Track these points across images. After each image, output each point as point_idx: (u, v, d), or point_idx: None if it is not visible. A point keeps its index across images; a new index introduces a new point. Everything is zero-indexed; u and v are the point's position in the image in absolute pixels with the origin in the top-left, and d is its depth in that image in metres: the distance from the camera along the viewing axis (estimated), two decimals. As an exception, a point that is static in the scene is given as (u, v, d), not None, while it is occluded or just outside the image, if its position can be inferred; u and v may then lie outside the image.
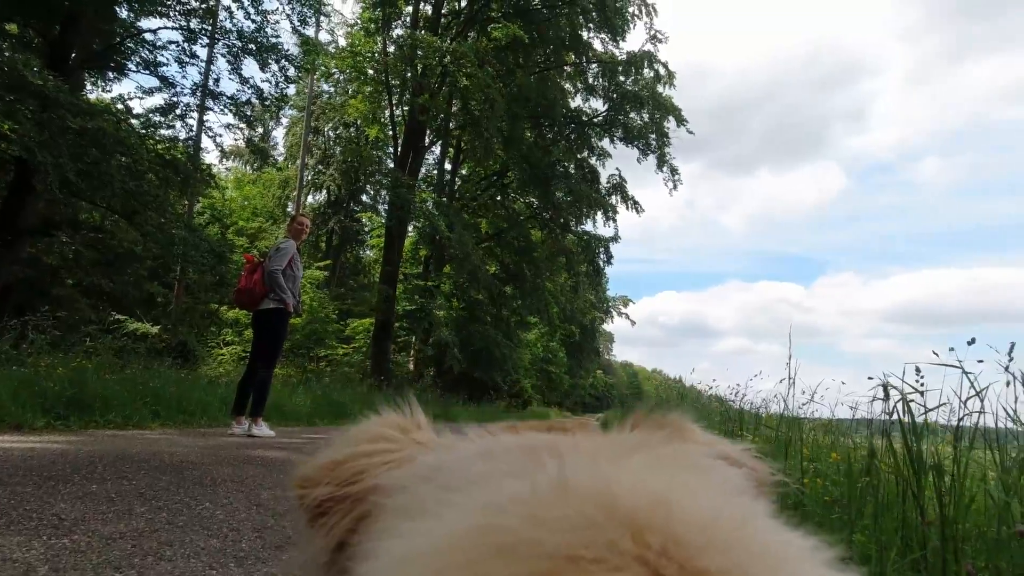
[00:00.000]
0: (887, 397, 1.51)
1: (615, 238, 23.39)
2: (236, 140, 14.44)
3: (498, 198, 24.27)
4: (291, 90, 17.32)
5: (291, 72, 11.53)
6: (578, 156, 22.86)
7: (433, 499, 0.24)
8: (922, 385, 1.47)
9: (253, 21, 10.73)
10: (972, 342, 1.40)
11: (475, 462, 0.26)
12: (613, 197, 22.70)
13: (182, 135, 11.41)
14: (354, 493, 0.31)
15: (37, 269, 9.58)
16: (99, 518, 1.93)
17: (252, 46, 10.78)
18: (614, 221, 22.09)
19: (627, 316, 39.94)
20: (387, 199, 20.60)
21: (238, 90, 11.30)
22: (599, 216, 22.16)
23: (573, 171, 22.51)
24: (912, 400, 1.43)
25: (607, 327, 48.37)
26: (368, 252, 30.01)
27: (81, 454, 3.01)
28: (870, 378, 1.57)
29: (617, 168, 26.70)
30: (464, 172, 23.83)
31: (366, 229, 29.69)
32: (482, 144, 17.11)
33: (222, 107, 11.35)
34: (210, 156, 35.62)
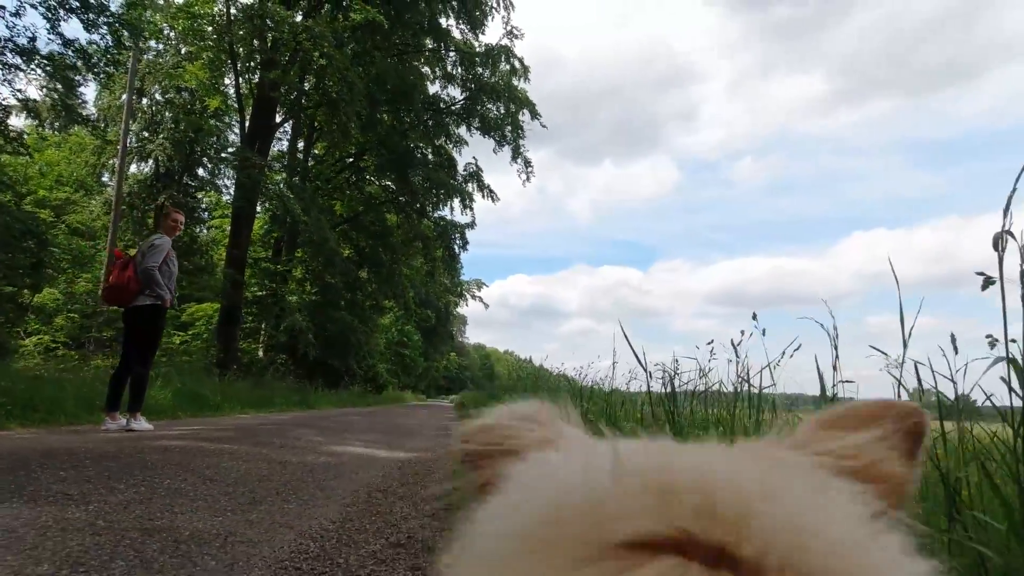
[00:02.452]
0: (649, 375, 2.41)
1: (471, 225, 24.24)
2: (46, 99, 12.74)
3: (353, 180, 23.77)
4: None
5: (124, 36, 10.44)
6: (435, 142, 23.20)
7: (512, 501, 0.25)
8: (678, 364, 2.37)
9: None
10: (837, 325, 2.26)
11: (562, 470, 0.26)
12: (470, 184, 23.45)
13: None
14: (491, 454, 0.36)
15: None
16: (97, 492, 2.12)
17: (74, 2, 9.61)
18: (471, 209, 22.87)
19: (480, 299, 41.32)
20: (232, 177, 19.26)
21: (59, 53, 10.01)
22: (456, 203, 22.80)
23: (431, 157, 22.83)
24: (676, 375, 2.30)
25: (461, 310, 49.45)
26: (205, 231, 27.54)
27: (7, 451, 2.96)
28: (674, 360, 2.42)
29: (474, 157, 27.52)
30: (317, 152, 22.97)
31: (202, 207, 27.22)
32: (340, 127, 16.77)
33: (34, 65, 9.97)
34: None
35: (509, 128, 22.66)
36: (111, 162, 24.68)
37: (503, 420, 0.38)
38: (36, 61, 9.79)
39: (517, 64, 22.42)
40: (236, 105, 18.63)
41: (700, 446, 0.28)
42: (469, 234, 24.88)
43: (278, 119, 18.82)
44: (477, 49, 21.68)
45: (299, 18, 16.84)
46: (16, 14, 9.72)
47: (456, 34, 21.55)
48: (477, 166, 23.71)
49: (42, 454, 2.96)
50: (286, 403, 11.29)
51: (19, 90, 9.22)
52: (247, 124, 17.72)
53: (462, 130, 23.41)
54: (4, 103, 9.33)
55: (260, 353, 20.05)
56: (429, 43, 21.34)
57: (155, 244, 5.10)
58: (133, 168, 26.29)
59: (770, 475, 0.23)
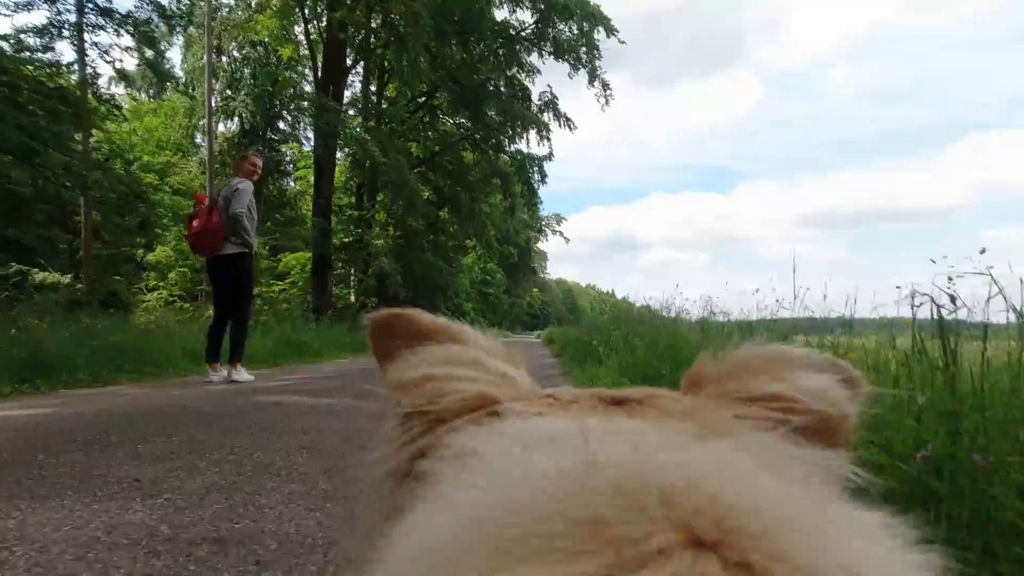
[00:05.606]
0: (913, 301, 1.77)
1: (549, 156, 23.33)
2: (138, 65, 13.02)
3: (427, 120, 23.36)
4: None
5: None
6: (507, 73, 22.15)
7: (476, 472, 0.23)
8: (953, 288, 1.73)
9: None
10: (983, 251, 1.65)
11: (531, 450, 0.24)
12: (545, 114, 22.38)
13: (64, 59, 10.01)
14: (436, 412, 0.32)
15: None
16: (173, 476, 1.95)
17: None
18: (548, 140, 21.93)
19: (561, 233, 40.57)
20: (311, 127, 19.42)
21: (136, 6, 10.07)
22: (532, 135, 21.90)
23: (504, 89, 21.88)
24: (942, 305, 1.68)
25: (541, 245, 48.96)
26: (293, 184, 28.41)
27: (95, 416, 2.94)
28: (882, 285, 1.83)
29: (548, 85, 26.14)
30: (389, 94, 22.64)
31: (287, 159, 28.00)
32: (409, 63, 16.24)
33: (117, 26, 10.07)
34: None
35: (584, 49, 21.12)
36: (202, 123, 25.73)
37: (439, 366, 0.34)
38: (117, 20, 9.89)
39: (589, -25, 20.61)
40: (307, 52, 18.54)
41: (661, 426, 0.27)
42: (547, 167, 24.00)
43: (349, 62, 18.55)
44: (545, -37, 20.06)
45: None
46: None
47: (522, -50, 20.01)
48: (552, 94, 22.51)
49: (135, 415, 2.90)
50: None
51: (115, 59, 9.40)
52: (319, 70, 17.61)
53: (534, 57, 22.15)
54: (94, 67, 9.53)
55: (352, 298, 20.75)
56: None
57: (239, 189, 4.89)
58: (221, 127, 27.35)
59: (757, 472, 0.22)
